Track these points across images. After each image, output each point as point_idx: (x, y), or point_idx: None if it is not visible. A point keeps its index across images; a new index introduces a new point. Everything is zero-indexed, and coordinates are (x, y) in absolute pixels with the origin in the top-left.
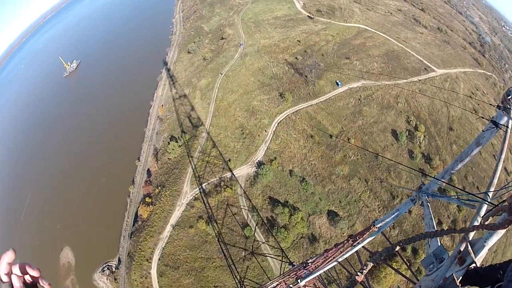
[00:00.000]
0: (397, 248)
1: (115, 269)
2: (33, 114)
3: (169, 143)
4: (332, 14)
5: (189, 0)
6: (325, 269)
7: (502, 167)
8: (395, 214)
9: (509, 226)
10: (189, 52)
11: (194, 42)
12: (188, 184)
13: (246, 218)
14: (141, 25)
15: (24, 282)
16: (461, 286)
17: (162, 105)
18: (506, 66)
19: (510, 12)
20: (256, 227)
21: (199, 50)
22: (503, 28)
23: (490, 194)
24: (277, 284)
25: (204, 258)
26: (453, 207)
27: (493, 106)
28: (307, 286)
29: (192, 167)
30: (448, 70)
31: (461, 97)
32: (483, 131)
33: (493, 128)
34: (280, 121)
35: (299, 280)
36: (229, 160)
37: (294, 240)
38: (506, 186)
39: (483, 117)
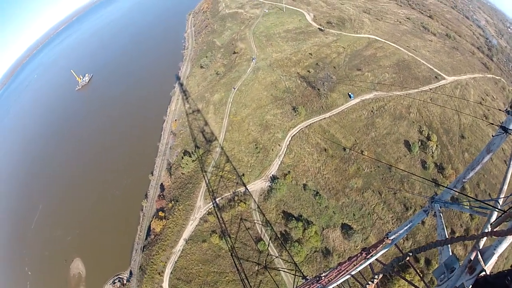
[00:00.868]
0: (408, 257)
1: (126, 281)
2: (45, 125)
3: (182, 158)
4: (343, 26)
5: (200, 14)
6: (338, 282)
7: None
8: (408, 226)
9: None
10: (201, 67)
11: (207, 57)
12: (202, 198)
13: (259, 232)
14: (153, 39)
15: None
16: None
17: (176, 120)
18: None
19: None
20: (270, 242)
21: (212, 65)
22: (509, 29)
23: (500, 201)
24: None
25: (217, 272)
26: (465, 216)
27: (502, 111)
28: None
29: (205, 181)
30: (458, 77)
31: (471, 104)
32: (493, 136)
33: (503, 133)
34: (294, 135)
35: None
36: (243, 174)
37: (307, 254)
38: None
39: (492, 123)
